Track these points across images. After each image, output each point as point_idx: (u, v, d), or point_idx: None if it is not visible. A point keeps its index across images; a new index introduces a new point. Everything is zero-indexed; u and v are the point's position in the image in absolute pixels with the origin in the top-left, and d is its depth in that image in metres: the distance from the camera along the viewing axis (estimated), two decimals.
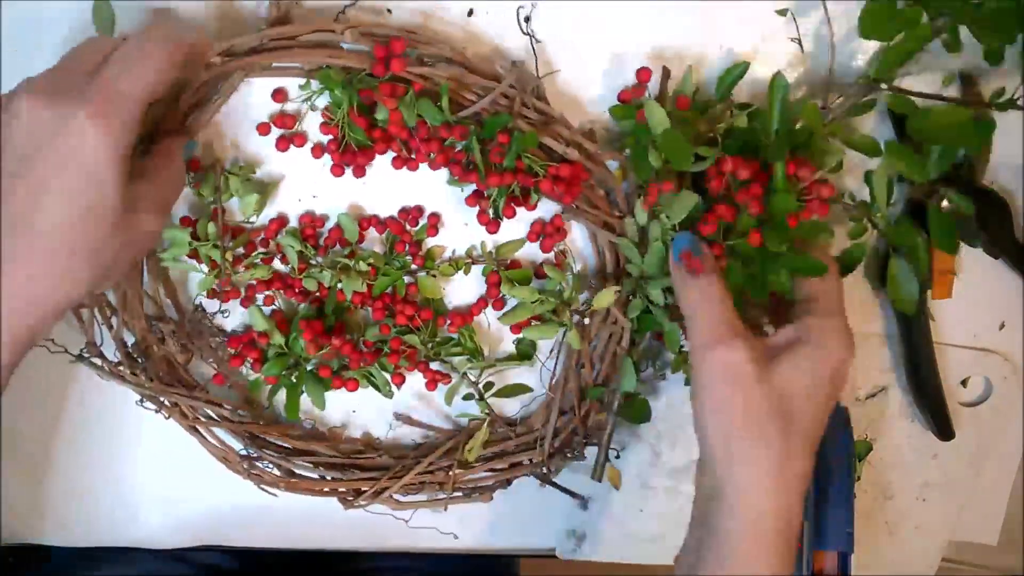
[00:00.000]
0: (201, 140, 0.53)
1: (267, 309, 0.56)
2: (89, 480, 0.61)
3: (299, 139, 0.53)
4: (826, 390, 0.46)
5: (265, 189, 0.54)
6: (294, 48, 0.49)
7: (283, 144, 0.53)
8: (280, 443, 0.58)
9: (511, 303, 0.57)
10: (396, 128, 0.51)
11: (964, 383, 0.63)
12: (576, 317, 0.56)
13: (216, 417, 0.57)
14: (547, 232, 0.56)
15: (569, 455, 0.60)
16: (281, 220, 0.55)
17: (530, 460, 0.60)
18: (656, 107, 0.49)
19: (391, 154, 0.53)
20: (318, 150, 0.53)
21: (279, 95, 0.52)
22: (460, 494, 0.60)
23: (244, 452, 0.57)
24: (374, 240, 0.56)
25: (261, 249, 0.55)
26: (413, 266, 0.56)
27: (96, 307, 0.54)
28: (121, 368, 0.55)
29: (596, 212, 0.54)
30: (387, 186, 0.55)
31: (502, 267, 0.57)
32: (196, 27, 0.50)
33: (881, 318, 0.61)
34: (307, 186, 0.55)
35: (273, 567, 0.71)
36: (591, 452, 0.59)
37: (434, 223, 0.56)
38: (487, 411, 0.59)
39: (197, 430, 0.56)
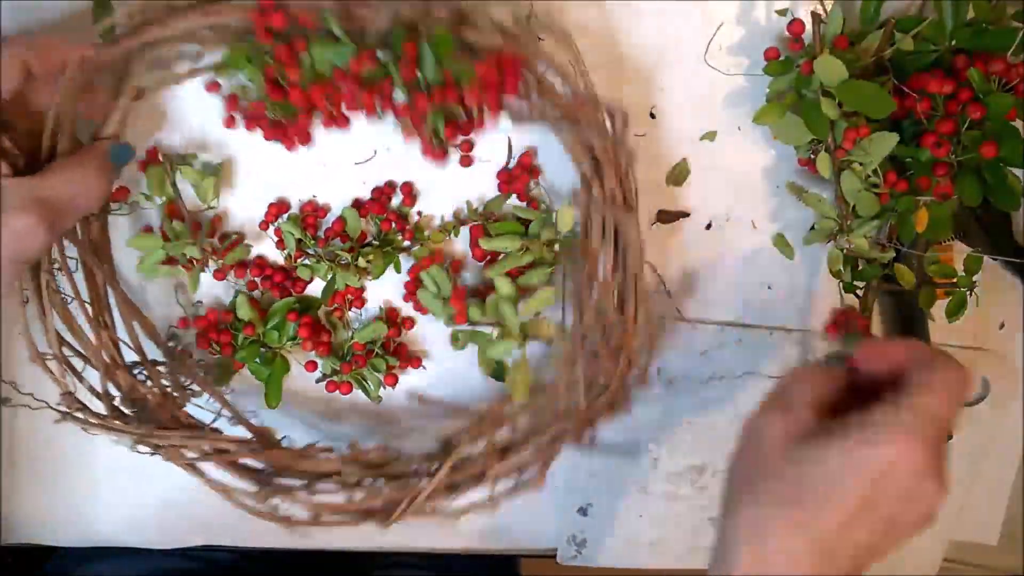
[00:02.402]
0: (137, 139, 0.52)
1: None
2: (87, 480, 0.60)
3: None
4: (856, 494, 0.39)
5: (219, 171, 0.53)
6: (168, 21, 0.46)
7: (229, 122, 0.51)
8: (300, 468, 0.53)
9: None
10: (311, 91, 0.47)
11: None
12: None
13: (224, 450, 0.52)
14: (514, 175, 0.55)
15: (614, 408, 0.52)
16: (282, 205, 0.55)
17: (566, 429, 0.52)
18: (832, 60, 0.48)
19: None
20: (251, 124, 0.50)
21: (213, 86, 0.50)
22: (504, 485, 0.53)
23: (257, 488, 0.52)
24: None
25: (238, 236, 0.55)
26: (406, 243, 0.56)
27: (62, 360, 0.51)
28: (109, 420, 0.52)
29: (552, 104, 0.48)
30: (355, 169, 0.55)
31: (490, 221, 0.55)
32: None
33: (880, 319, 0.60)
34: (263, 164, 0.55)
35: (272, 568, 0.71)
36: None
37: (408, 191, 0.55)
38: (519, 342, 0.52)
39: (199, 470, 0.52)
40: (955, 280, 0.54)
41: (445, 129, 0.48)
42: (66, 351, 0.52)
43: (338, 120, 0.49)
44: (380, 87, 0.46)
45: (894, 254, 0.54)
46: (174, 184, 0.52)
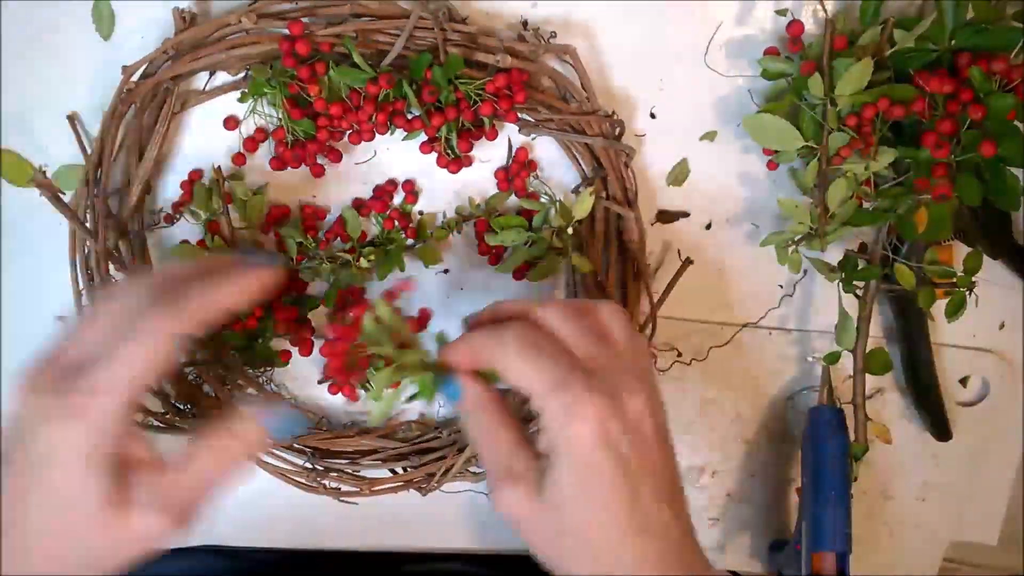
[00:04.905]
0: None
1: None
2: None
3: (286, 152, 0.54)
4: (596, 481, 0.40)
5: (263, 188, 0.54)
6: (202, 55, 0.49)
7: (276, 163, 0.53)
8: (344, 450, 0.57)
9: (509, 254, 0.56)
10: (331, 108, 0.50)
11: (963, 382, 0.62)
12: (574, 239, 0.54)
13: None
14: (513, 172, 0.55)
15: None
16: (283, 209, 0.55)
17: None
18: (860, 65, 0.48)
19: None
20: (278, 155, 0.53)
21: (231, 122, 0.53)
22: None
23: (308, 465, 0.56)
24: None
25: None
26: (409, 241, 0.56)
27: None
28: (168, 417, 0.54)
29: (558, 117, 0.52)
30: (354, 169, 0.55)
31: (493, 216, 0.55)
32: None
33: (880, 318, 0.60)
34: (298, 181, 0.55)
35: (276, 569, 0.71)
36: None
37: (409, 189, 0.56)
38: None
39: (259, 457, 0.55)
40: (955, 280, 0.54)
41: (459, 142, 0.52)
42: None
43: (363, 135, 0.53)
44: (393, 106, 0.50)
45: (890, 255, 0.54)
46: (223, 199, 0.52)
